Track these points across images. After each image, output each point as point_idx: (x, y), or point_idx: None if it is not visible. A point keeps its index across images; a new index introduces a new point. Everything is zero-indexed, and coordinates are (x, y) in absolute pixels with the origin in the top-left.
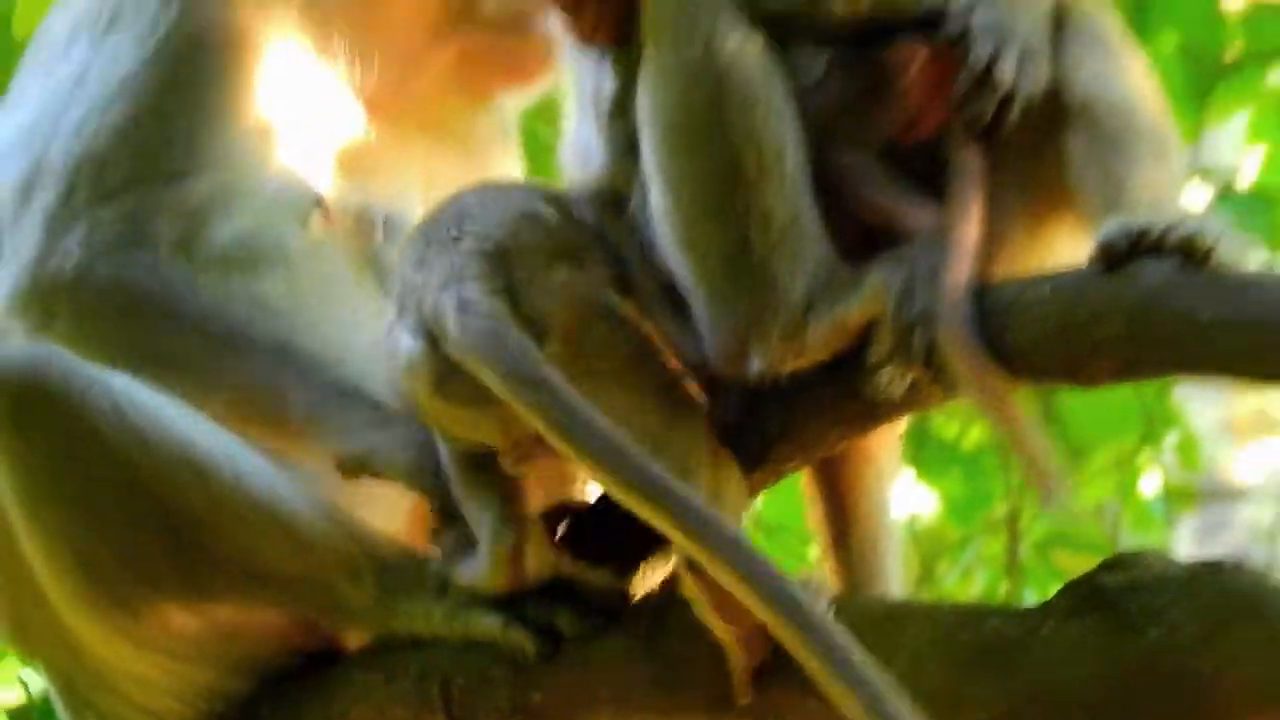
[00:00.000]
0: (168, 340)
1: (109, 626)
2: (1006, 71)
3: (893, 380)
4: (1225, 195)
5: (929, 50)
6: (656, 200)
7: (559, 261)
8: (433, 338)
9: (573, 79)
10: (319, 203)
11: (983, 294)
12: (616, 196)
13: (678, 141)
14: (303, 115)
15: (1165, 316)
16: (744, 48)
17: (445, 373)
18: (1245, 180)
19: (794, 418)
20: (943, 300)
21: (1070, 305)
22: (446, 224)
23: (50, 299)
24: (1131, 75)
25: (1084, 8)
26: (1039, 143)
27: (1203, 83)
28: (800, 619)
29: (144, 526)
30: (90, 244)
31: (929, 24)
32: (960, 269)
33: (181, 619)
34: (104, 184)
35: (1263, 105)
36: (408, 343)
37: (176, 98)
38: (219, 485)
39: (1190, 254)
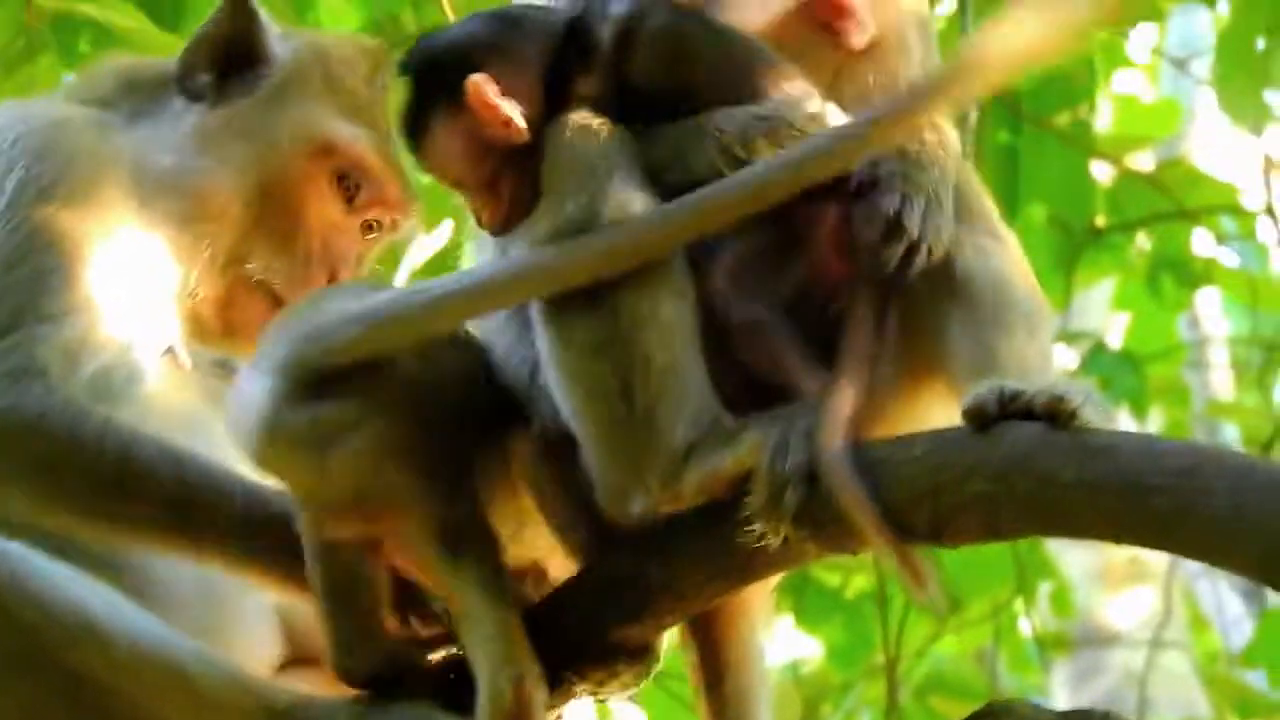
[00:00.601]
0: (74, 462)
1: None
2: (914, 221)
3: (767, 535)
4: (1096, 354)
5: (838, 210)
6: (544, 343)
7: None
8: (279, 371)
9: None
10: (169, 348)
11: (856, 452)
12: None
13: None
14: (144, 276)
15: (1028, 478)
16: (630, 201)
17: (277, 410)
18: (1113, 342)
19: (674, 571)
20: (824, 449)
21: (938, 466)
22: (303, 316)
23: None
24: (1007, 252)
25: (962, 186)
26: (918, 310)
27: (1071, 251)
28: None
29: (47, 688)
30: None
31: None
32: (841, 419)
33: None
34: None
35: (1128, 274)
36: (252, 384)
37: (35, 246)
38: (116, 648)
39: (1057, 416)
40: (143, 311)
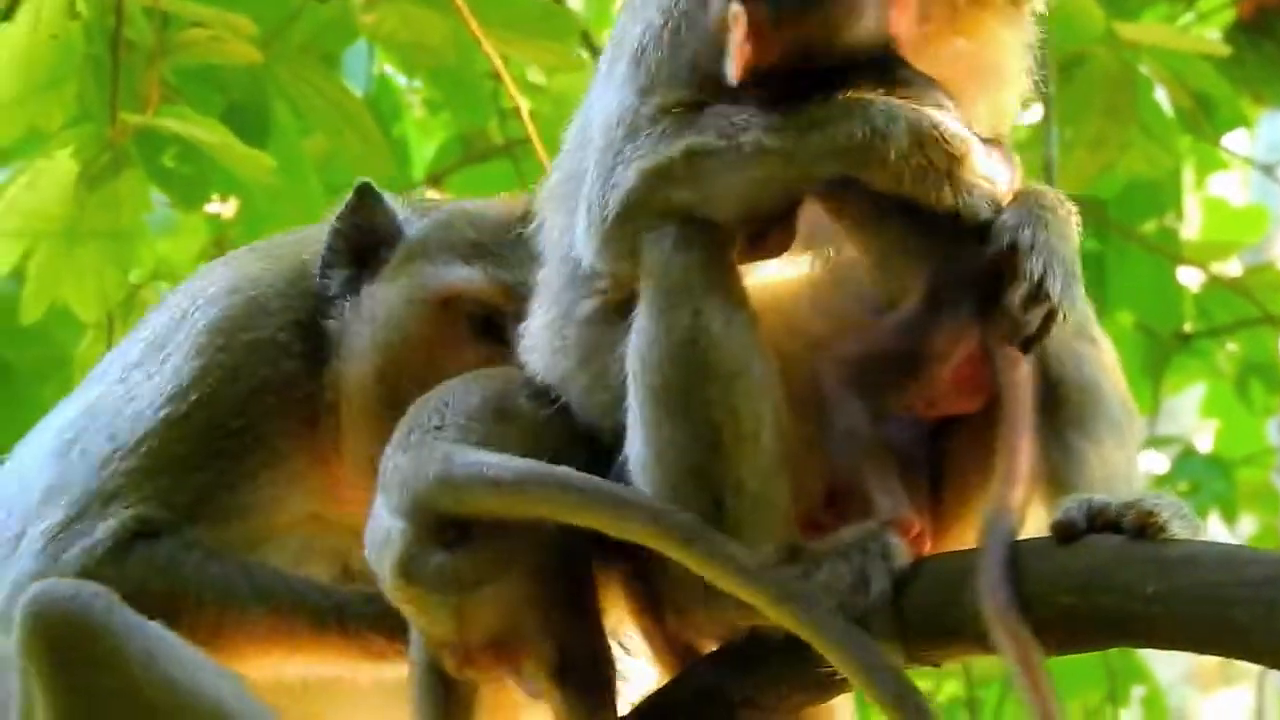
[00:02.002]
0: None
1: None
2: (1055, 287)
3: None
4: (1184, 460)
5: (977, 343)
6: (637, 451)
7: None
8: (410, 515)
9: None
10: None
11: (935, 563)
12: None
13: (662, 404)
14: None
15: (1110, 591)
16: (731, 324)
17: (412, 552)
18: (1202, 447)
19: (756, 684)
20: (985, 559)
21: (1023, 578)
22: (430, 413)
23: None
24: (1102, 359)
25: None
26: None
27: (1159, 357)
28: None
29: None
30: (86, 556)
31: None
32: (1006, 529)
33: None
34: (106, 513)
35: (1216, 379)
36: (385, 521)
37: (191, 463)
38: None
39: (1145, 530)
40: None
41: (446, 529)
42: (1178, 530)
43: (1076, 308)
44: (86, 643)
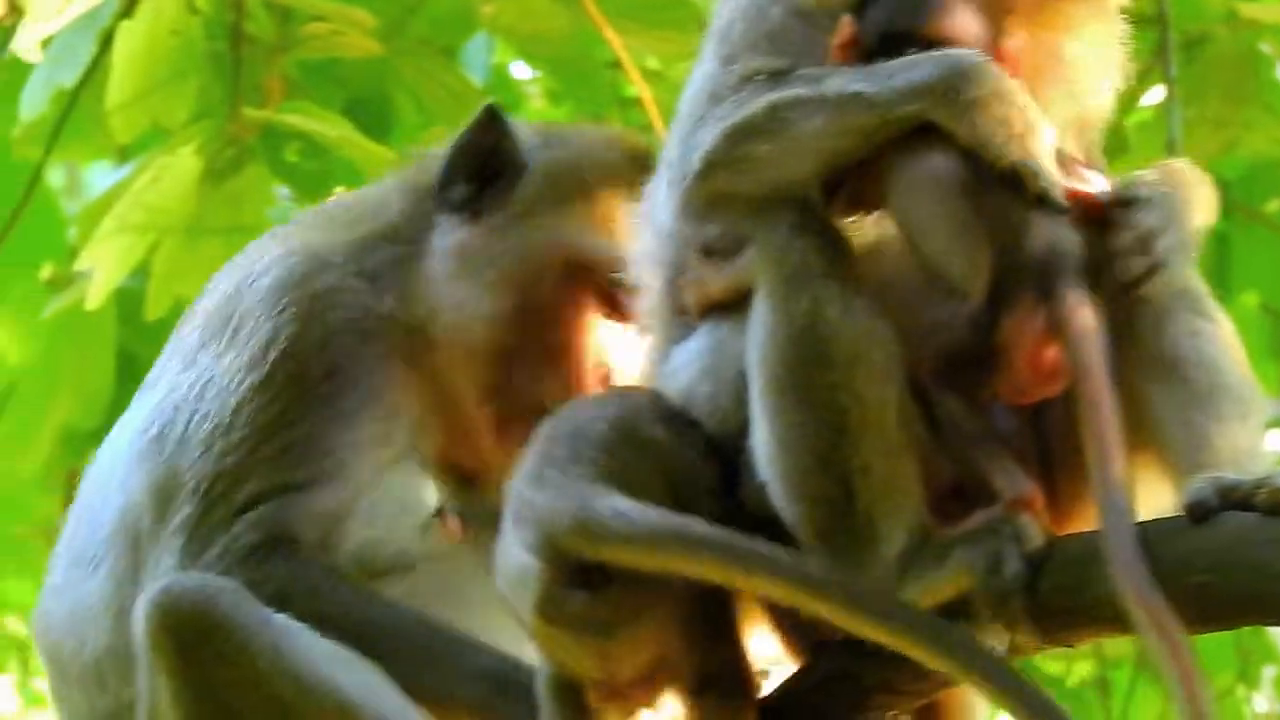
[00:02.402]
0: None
1: None
2: (1163, 244)
3: (994, 642)
4: None
5: (1045, 327)
6: (762, 444)
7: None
8: (546, 556)
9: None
10: (438, 512)
11: (1066, 543)
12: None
13: (785, 393)
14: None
15: (1243, 569)
16: (849, 309)
17: (551, 593)
18: None
19: (890, 668)
20: (1110, 540)
21: (1157, 557)
22: (561, 444)
23: (191, 616)
24: (1221, 336)
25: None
26: (1129, 391)
27: None
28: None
29: None
30: (228, 560)
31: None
32: (1121, 507)
33: None
34: (237, 499)
35: None
36: (519, 557)
37: (290, 418)
38: None
39: (1278, 510)
40: (404, 478)
41: (587, 571)
42: None
43: (1178, 273)
44: (214, 636)
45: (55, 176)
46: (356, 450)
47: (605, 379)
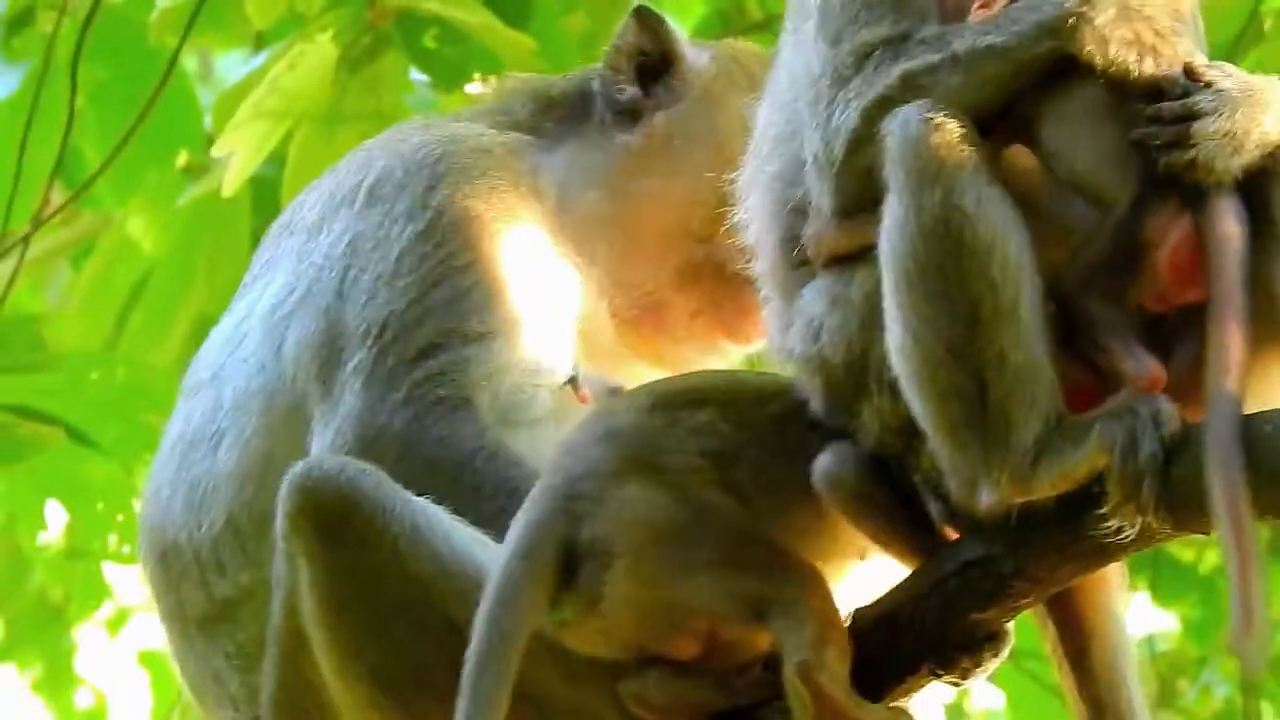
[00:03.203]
0: (480, 500)
1: None
2: (1205, 134)
3: (1124, 527)
4: None
5: (1190, 227)
6: (895, 340)
7: (631, 474)
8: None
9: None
10: (572, 378)
11: (1198, 433)
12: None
13: (916, 285)
14: (554, 301)
15: None
16: (983, 200)
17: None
18: None
19: (1027, 557)
20: (1210, 427)
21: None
22: (562, 455)
23: (378, 452)
24: None
25: None
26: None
27: None
28: None
29: (432, 641)
30: (415, 406)
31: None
32: (1229, 396)
33: None
34: (410, 347)
35: None
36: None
37: (455, 266)
38: None
39: None
40: (551, 338)
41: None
42: None
43: (1226, 169)
44: (354, 518)
45: (190, 63)
46: (524, 305)
47: None
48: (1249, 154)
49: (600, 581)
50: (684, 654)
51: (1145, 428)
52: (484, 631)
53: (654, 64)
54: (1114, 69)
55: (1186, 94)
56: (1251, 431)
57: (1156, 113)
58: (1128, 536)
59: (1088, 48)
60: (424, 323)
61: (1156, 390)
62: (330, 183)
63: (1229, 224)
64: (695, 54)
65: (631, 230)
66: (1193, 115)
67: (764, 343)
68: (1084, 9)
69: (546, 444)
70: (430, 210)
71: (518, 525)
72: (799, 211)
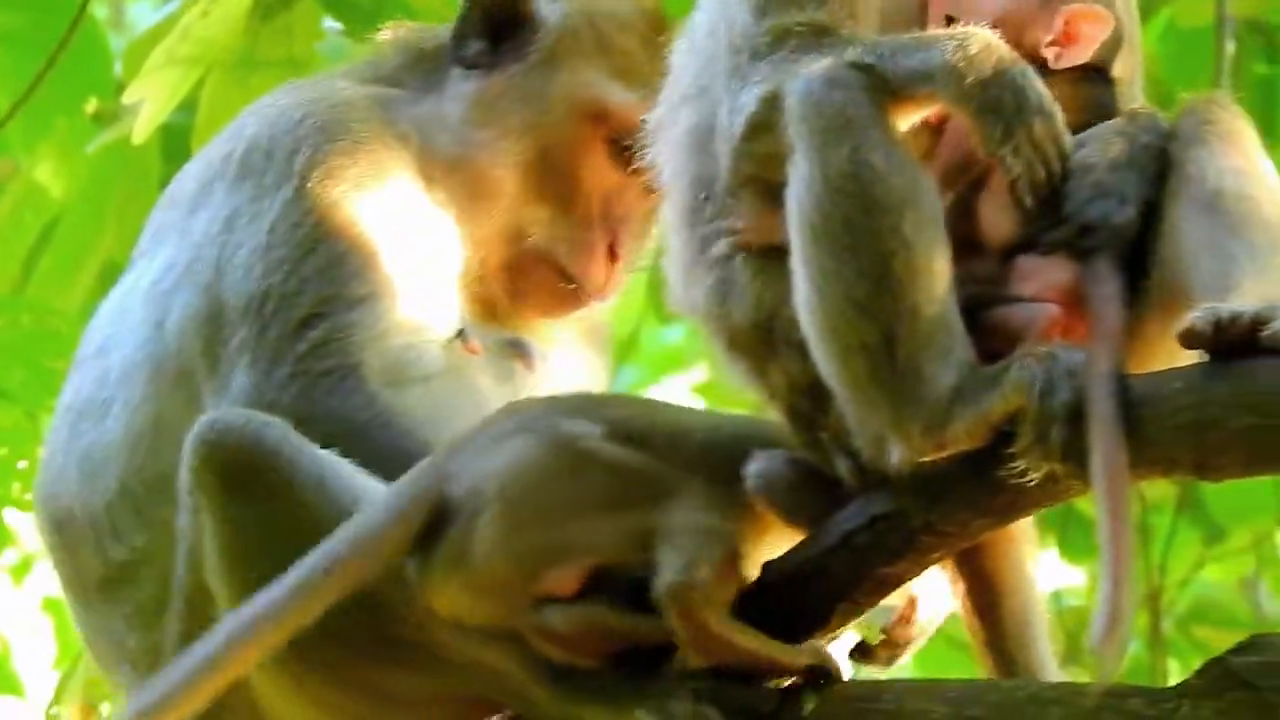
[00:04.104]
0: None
1: (300, 691)
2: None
3: (1030, 472)
4: None
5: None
6: (802, 297)
7: (515, 435)
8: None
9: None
10: (460, 332)
11: (1122, 385)
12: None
13: (824, 241)
14: (434, 254)
15: None
16: (892, 157)
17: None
18: None
19: (935, 511)
20: (1092, 390)
21: (1201, 401)
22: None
23: (236, 450)
24: (1260, 173)
25: (1222, 114)
26: (1170, 235)
27: None
28: None
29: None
30: (302, 380)
31: None
32: (1110, 358)
33: (375, 688)
34: (292, 319)
35: None
36: None
37: (328, 231)
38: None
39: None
40: (433, 293)
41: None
42: None
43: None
44: (260, 470)
45: (102, 10)
46: (403, 262)
47: (616, 240)
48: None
49: (470, 530)
50: (565, 590)
51: (1063, 374)
52: (318, 563)
53: (505, 19)
54: (978, 133)
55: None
56: (1133, 393)
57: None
58: (1032, 482)
59: (959, 106)
60: (303, 292)
61: (1057, 332)
62: (208, 154)
63: (1109, 284)
64: (549, 11)
65: (473, 184)
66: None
67: (667, 292)
68: (964, 66)
69: (443, 399)
70: (296, 177)
71: (393, 486)
72: (708, 170)
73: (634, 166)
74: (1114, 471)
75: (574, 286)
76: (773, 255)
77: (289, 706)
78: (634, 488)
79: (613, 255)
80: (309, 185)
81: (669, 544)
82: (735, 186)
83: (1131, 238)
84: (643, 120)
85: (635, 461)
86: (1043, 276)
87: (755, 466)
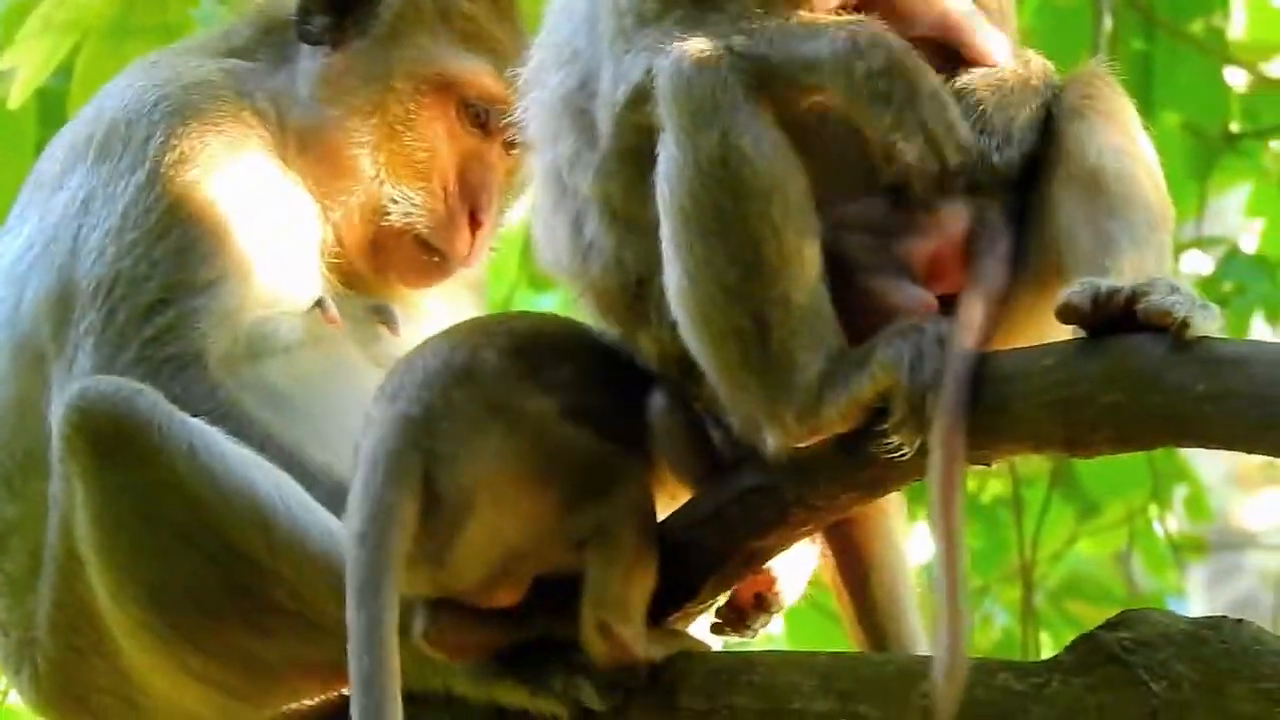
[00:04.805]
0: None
1: (169, 659)
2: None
3: (903, 445)
4: (1229, 260)
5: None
6: (673, 282)
7: (492, 422)
8: None
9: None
10: (319, 301)
11: (987, 362)
12: (628, 284)
13: (692, 227)
14: (290, 228)
15: (1160, 391)
16: (761, 141)
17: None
18: (1248, 248)
19: (806, 485)
20: (948, 366)
21: (1070, 379)
22: (396, 376)
23: (107, 418)
24: (1142, 154)
25: (1104, 88)
26: (1046, 211)
27: (1205, 157)
28: None
29: (208, 562)
30: (145, 365)
31: None
32: (968, 338)
33: (240, 655)
34: (140, 303)
35: (1261, 180)
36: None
37: (180, 215)
38: (278, 533)
39: (1171, 329)
40: (291, 267)
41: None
42: (1200, 323)
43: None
44: (131, 438)
45: None
46: (256, 240)
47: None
48: (1016, 145)
49: (453, 533)
50: (504, 602)
51: (931, 345)
52: (367, 556)
53: None
54: (869, 127)
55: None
56: (1001, 370)
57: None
58: (906, 455)
59: (840, 97)
60: (151, 277)
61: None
62: (70, 134)
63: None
64: None
65: (327, 162)
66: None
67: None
68: (853, 57)
69: (305, 369)
70: (149, 161)
71: (376, 452)
72: (582, 133)
73: (490, 127)
74: (949, 467)
75: (438, 259)
76: (643, 226)
77: (159, 677)
78: (590, 476)
79: (475, 222)
80: (162, 169)
81: (602, 552)
82: (612, 153)
83: (1012, 182)
84: (491, 83)
85: (587, 446)
86: (935, 228)
87: (658, 401)
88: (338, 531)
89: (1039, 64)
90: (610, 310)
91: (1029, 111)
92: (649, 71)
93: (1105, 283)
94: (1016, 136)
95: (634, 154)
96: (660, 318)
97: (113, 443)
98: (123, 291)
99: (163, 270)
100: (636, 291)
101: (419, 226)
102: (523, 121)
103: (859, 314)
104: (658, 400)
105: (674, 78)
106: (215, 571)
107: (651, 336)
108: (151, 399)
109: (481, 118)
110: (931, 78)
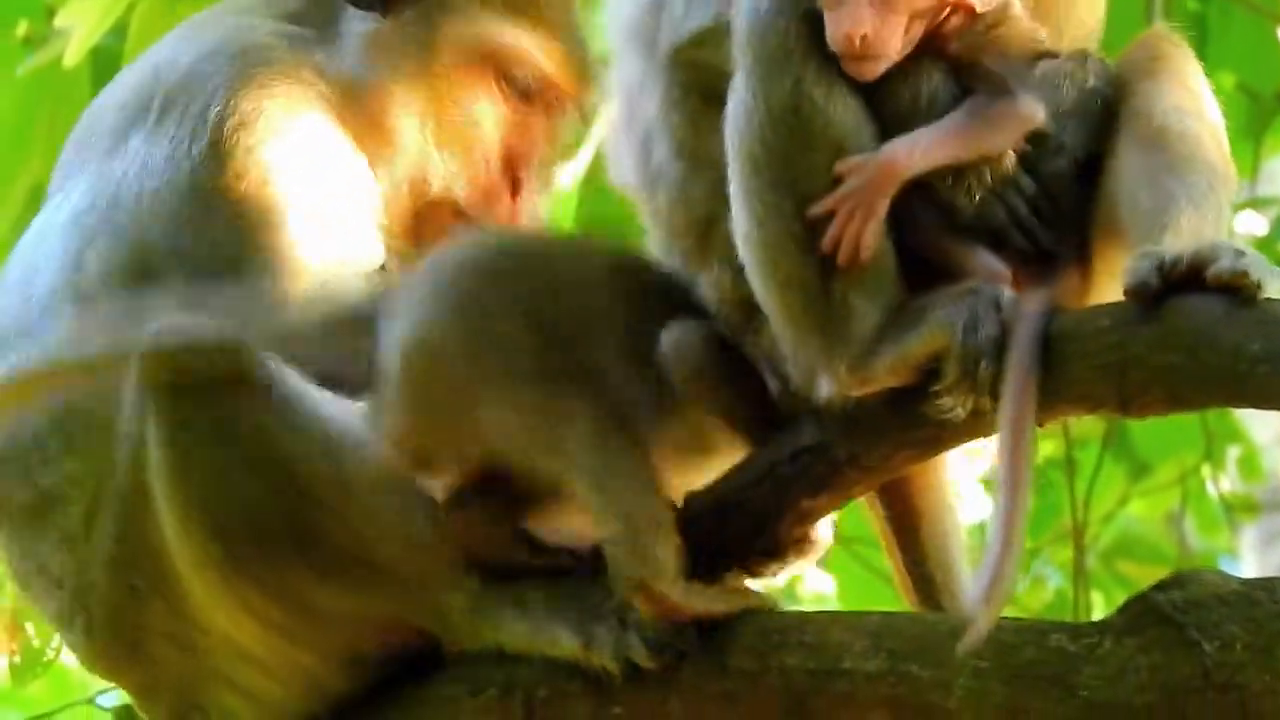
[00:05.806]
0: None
1: (231, 596)
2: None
3: (956, 407)
4: None
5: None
6: (740, 226)
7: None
8: None
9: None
10: (381, 266)
11: (1045, 321)
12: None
13: (765, 173)
14: (352, 193)
15: (1216, 351)
16: (832, 92)
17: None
18: None
19: (860, 444)
20: (1017, 328)
21: (1126, 339)
22: (424, 270)
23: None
24: (1204, 112)
25: (1172, 49)
26: (1114, 172)
27: (1259, 118)
28: None
29: (276, 500)
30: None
31: None
32: (1042, 296)
33: (298, 598)
34: (211, 270)
35: None
36: None
37: (246, 182)
38: (349, 473)
39: (1239, 291)
40: (355, 232)
41: None
42: (1270, 285)
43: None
44: (206, 369)
45: None
46: (320, 209)
47: (518, 181)
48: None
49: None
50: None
51: (988, 309)
52: None
53: None
54: None
55: None
56: (1058, 330)
57: None
58: (958, 417)
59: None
60: (221, 244)
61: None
62: (121, 94)
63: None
64: None
65: (375, 130)
66: None
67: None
68: None
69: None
70: (210, 128)
71: None
72: (650, 55)
73: (533, 101)
74: (1019, 423)
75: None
76: (709, 162)
77: (219, 614)
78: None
79: (515, 192)
80: (224, 136)
81: (613, 531)
82: (676, 84)
83: (1064, 186)
84: (537, 55)
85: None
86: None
87: (671, 336)
88: (404, 483)
89: (1095, 61)
90: (676, 241)
91: (1086, 114)
92: (721, 13)
93: (1168, 253)
94: (1069, 144)
95: (699, 90)
96: (722, 262)
97: (189, 375)
98: (193, 259)
99: (232, 238)
100: (704, 230)
101: (462, 198)
102: (605, 29)
103: (931, 273)
104: (676, 334)
105: (752, 23)
106: (282, 506)
107: (712, 279)
108: (230, 332)
109: (526, 89)
110: None
